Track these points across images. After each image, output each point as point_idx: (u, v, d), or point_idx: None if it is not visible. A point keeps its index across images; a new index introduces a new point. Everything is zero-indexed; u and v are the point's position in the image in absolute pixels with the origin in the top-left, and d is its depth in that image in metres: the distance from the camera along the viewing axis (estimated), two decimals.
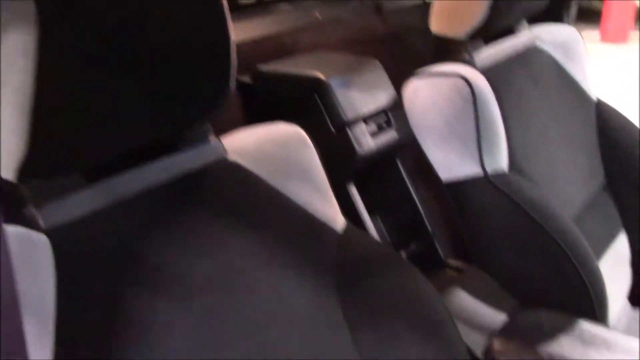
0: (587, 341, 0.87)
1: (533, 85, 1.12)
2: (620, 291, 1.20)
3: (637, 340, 0.88)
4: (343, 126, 1.15)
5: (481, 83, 0.98)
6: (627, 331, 1.13)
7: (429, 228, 1.12)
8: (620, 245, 1.22)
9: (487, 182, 0.96)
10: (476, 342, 0.89)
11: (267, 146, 0.74)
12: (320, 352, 0.67)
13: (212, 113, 0.66)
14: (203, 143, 0.71)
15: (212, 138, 0.72)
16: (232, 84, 0.65)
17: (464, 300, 0.98)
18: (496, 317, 0.93)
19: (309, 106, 1.16)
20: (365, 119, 1.21)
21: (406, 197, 1.14)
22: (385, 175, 1.20)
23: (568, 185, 1.13)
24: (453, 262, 1.03)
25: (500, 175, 0.97)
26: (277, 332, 0.65)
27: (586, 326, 0.91)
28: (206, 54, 0.61)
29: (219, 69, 0.63)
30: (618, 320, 1.16)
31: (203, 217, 0.66)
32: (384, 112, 1.24)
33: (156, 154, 0.66)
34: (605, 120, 1.25)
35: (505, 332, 0.91)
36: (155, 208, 0.64)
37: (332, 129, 1.16)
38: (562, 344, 0.87)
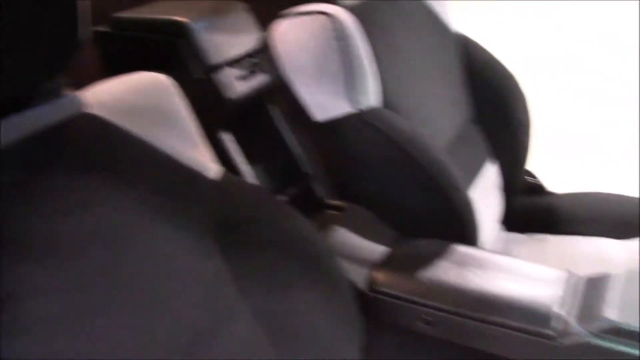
0: (462, 263, 0.92)
1: (401, 22, 1.13)
2: (491, 215, 1.27)
3: (507, 257, 0.94)
4: (209, 71, 1.12)
5: (346, 20, 0.98)
6: (499, 252, 1.20)
7: (307, 170, 1.12)
8: (489, 173, 1.29)
9: (360, 119, 0.97)
10: (359, 275, 0.91)
11: (129, 96, 0.70)
12: (205, 305, 0.66)
13: (63, 65, 0.62)
14: (58, 98, 0.66)
15: (68, 92, 0.68)
16: (86, 34, 0.60)
17: (344, 236, 1.00)
18: (377, 250, 0.96)
19: (173, 52, 1.12)
20: (233, 63, 1.18)
21: (281, 141, 1.13)
22: (260, 121, 1.19)
23: (438, 119, 1.17)
24: (332, 202, 1.04)
25: (373, 111, 0.98)
26: (158, 289, 0.63)
27: (460, 249, 0.95)
28: (50, 1, 0.56)
29: (66, 18, 0.58)
30: (491, 243, 1.23)
31: (63, 174, 0.62)
32: (252, 55, 1.21)
33: (5, 112, 0.61)
34: (470, 55, 1.30)
35: (385, 263, 0.94)
36: (9, 169, 0.59)
37: (198, 75, 1.12)
38: (440, 268, 0.91)
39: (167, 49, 1.11)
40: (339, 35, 0.97)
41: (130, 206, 0.64)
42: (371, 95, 0.99)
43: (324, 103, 0.98)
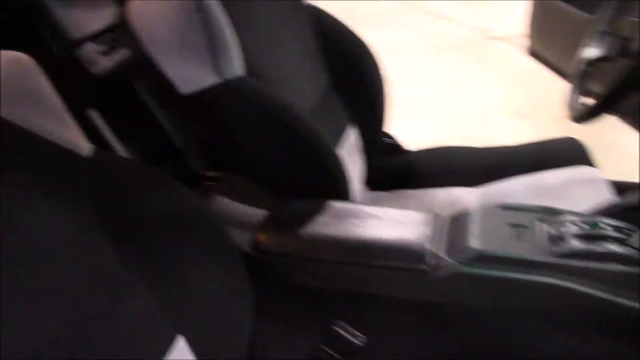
0: (339, 216, 0.97)
1: None
2: (356, 176, 1.34)
3: (378, 208, 1.01)
4: (69, 47, 1.08)
5: None
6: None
7: (179, 144, 1.12)
8: (351, 137, 1.36)
9: (227, 89, 0.99)
10: (243, 239, 0.93)
11: None
12: (95, 285, 0.64)
13: None
14: None
15: None
16: None
17: (224, 204, 1.01)
18: (257, 214, 0.98)
19: (29, 29, 1.06)
20: (94, 38, 1.14)
21: (151, 116, 1.12)
22: (127, 97, 1.16)
23: (299, 87, 1.22)
24: (208, 173, 1.05)
25: (239, 81, 1.00)
26: (43, 273, 0.61)
27: (336, 205, 1.01)
28: None
29: None
30: (357, 201, 1.30)
31: None
32: (112, 30, 1.18)
33: None
34: (322, 25, 1.35)
35: (267, 224, 0.97)
36: None
37: (59, 52, 1.08)
38: (318, 224, 0.96)
39: (23, 26, 1.06)
40: (199, 6, 0.97)
41: (3, 189, 0.62)
42: (235, 65, 1.01)
43: (189, 75, 0.99)
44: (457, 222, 0.96)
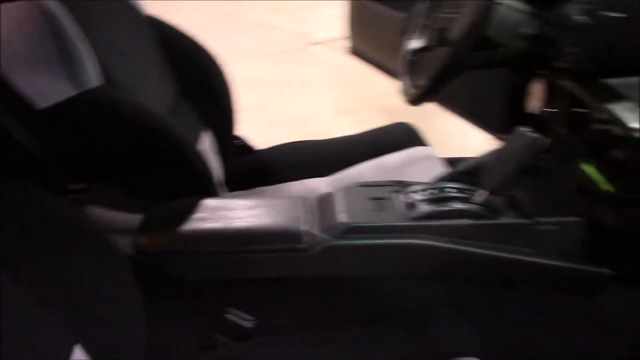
0: (213, 210, 1.01)
1: (98, 4, 1.16)
2: (215, 179, 1.38)
3: (249, 199, 1.07)
4: None
5: (51, 3, 0.98)
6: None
7: (42, 159, 1.08)
8: (205, 141, 1.40)
9: (85, 100, 0.99)
10: (125, 244, 0.94)
11: None
12: None
13: None
14: None
15: None
16: None
17: (100, 213, 1.01)
18: (134, 218, 0.99)
19: None
20: None
21: (9, 133, 1.07)
22: None
23: (152, 94, 1.24)
24: (75, 186, 1.04)
25: (96, 90, 1.01)
26: None
27: (208, 201, 1.05)
28: None
29: None
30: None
31: None
32: None
33: None
34: (164, 34, 1.37)
35: (145, 226, 0.99)
36: None
37: None
38: (195, 220, 0.99)
39: None
40: (47, 19, 0.97)
41: None
42: (91, 75, 1.01)
43: (44, 89, 0.98)
44: (324, 203, 1.04)
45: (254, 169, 1.53)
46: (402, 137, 1.57)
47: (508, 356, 1.00)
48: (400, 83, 1.31)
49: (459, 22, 1.07)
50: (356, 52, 2.66)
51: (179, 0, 4.62)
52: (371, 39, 2.55)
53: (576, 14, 1.00)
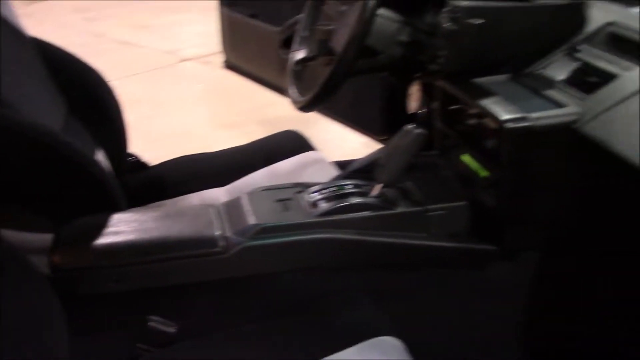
0: (127, 222, 1.03)
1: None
2: None
3: (159, 210, 1.10)
4: None
5: None
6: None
7: None
8: (100, 160, 1.40)
9: None
10: (41, 264, 0.94)
11: None
12: None
13: None
14: None
15: None
16: None
17: (12, 236, 1.00)
18: (42, 238, 0.99)
19: None
20: None
21: None
22: None
23: (43, 114, 1.23)
24: None
25: None
26: None
27: (118, 215, 1.06)
28: None
29: None
30: None
31: None
32: None
33: None
34: (51, 54, 1.36)
35: (59, 245, 0.99)
36: None
37: None
38: (108, 234, 1.01)
39: None
40: None
41: None
42: None
43: None
44: (232, 208, 1.10)
45: (150, 184, 1.54)
46: (292, 143, 1.65)
47: (420, 331, 1.10)
48: (289, 92, 1.39)
49: (344, 33, 1.16)
50: (231, 66, 2.70)
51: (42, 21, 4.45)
52: (245, 53, 2.61)
53: (444, 21, 1.13)
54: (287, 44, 2.04)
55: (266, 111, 3.20)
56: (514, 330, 1.19)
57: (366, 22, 1.11)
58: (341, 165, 1.55)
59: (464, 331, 1.17)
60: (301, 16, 1.53)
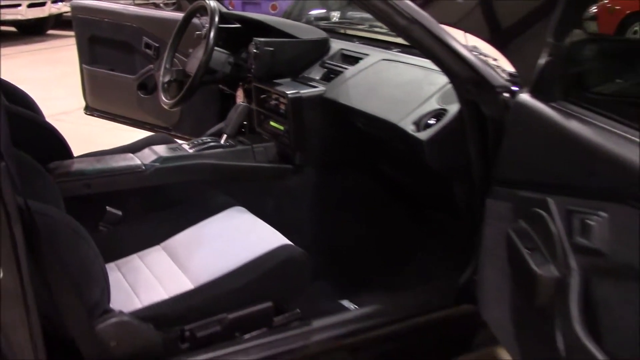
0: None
1: None
2: None
3: None
4: None
5: None
6: None
7: None
8: None
9: None
10: None
11: None
12: None
13: None
14: None
15: None
16: None
17: None
18: None
19: None
20: None
21: None
22: None
23: None
24: None
25: None
26: None
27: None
28: None
29: None
30: None
31: None
32: None
33: None
34: None
35: None
36: None
37: None
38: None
39: None
40: None
41: None
42: None
43: None
44: (147, 152, 1.93)
45: None
46: (159, 139, 2.49)
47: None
48: (161, 98, 2.25)
49: (196, 62, 2.08)
50: (92, 110, 3.42)
51: None
52: (105, 98, 3.35)
53: (252, 49, 2.09)
54: (142, 87, 2.92)
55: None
56: (307, 220, 2.12)
57: (209, 54, 2.04)
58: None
59: (275, 214, 2.04)
60: (155, 64, 2.42)
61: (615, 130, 1.08)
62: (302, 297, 1.60)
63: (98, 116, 3.42)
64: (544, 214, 1.16)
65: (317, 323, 1.54)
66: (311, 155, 2.05)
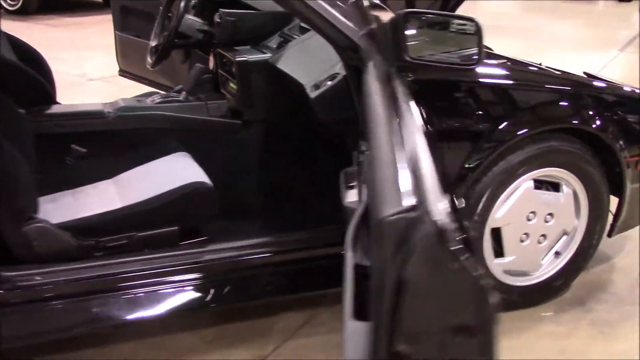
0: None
1: None
2: None
3: None
4: None
5: None
6: None
7: None
8: None
9: None
10: None
11: None
12: None
13: None
14: None
15: None
16: None
17: None
18: None
19: None
20: None
21: None
22: None
23: None
24: None
25: None
26: None
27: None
28: None
29: None
30: None
31: None
32: None
33: None
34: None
35: None
36: None
37: None
38: None
39: None
40: None
41: None
42: None
43: None
44: (115, 103, 2.29)
45: None
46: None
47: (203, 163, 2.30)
48: (147, 59, 2.60)
49: (171, 29, 2.41)
50: (125, 73, 3.85)
51: None
52: (135, 60, 3.77)
53: (217, 19, 2.39)
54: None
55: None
56: (253, 163, 2.41)
57: (178, 20, 2.37)
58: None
59: (222, 162, 2.33)
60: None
61: None
62: (214, 227, 1.91)
63: (129, 78, 3.85)
64: (355, 154, 1.43)
65: (215, 246, 1.85)
66: (257, 112, 2.34)
